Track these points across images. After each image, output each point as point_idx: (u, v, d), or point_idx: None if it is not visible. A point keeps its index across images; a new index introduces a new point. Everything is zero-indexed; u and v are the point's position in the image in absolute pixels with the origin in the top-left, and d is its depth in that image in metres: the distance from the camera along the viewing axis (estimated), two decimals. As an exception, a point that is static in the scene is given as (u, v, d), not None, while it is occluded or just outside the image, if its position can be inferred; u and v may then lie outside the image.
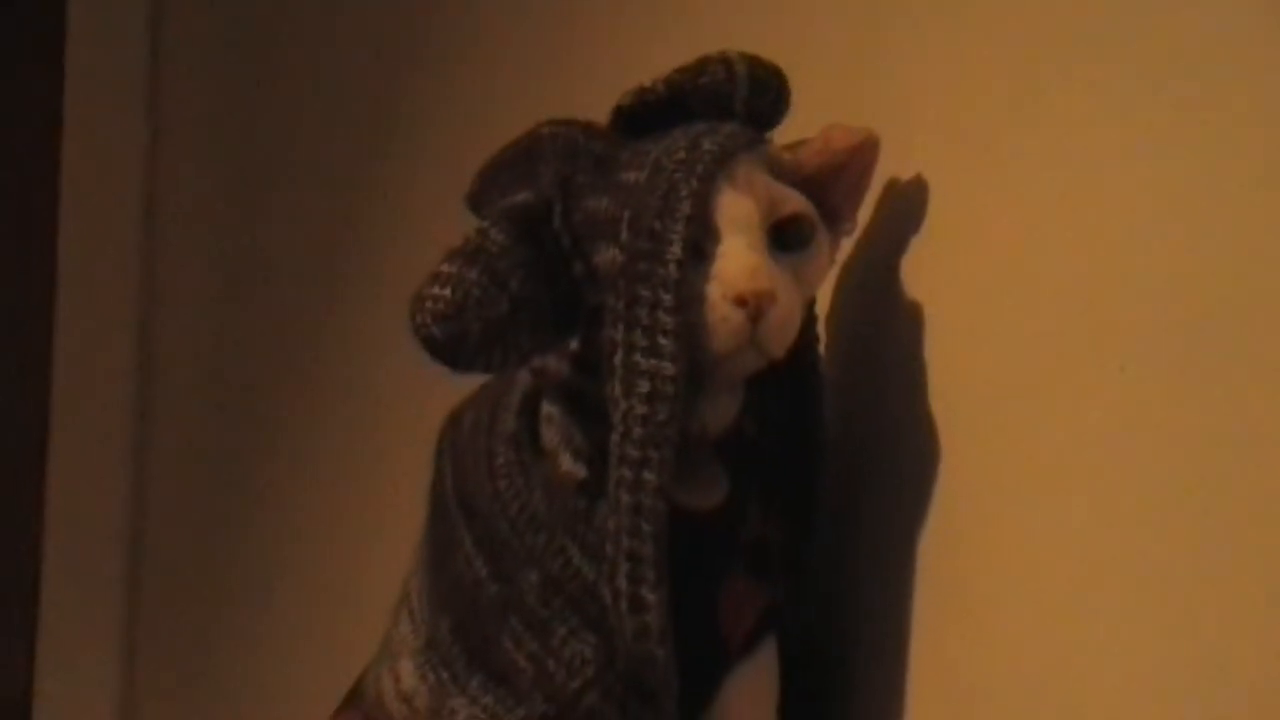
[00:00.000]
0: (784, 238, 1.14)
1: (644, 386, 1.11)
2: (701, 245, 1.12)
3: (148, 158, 2.77)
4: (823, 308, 1.24)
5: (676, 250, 1.11)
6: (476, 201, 1.18)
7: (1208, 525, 1.01)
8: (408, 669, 1.23)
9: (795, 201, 1.15)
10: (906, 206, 1.23)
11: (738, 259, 1.12)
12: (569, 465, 1.18)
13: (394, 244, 1.86)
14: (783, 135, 1.20)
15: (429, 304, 1.12)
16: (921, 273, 1.23)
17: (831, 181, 1.18)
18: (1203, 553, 1.02)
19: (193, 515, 2.62)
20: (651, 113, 1.18)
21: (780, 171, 1.16)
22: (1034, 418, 1.13)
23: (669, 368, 1.11)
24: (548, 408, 1.19)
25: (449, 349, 1.13)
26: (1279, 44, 0.93)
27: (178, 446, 2.70)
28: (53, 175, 2.81)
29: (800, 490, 1.22)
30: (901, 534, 1.21)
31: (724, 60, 1.18)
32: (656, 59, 1.21)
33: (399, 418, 1.57)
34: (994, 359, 1.17)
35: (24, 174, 2.88)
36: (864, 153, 1.18)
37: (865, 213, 1.22)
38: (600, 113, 1.20)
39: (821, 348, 1.23)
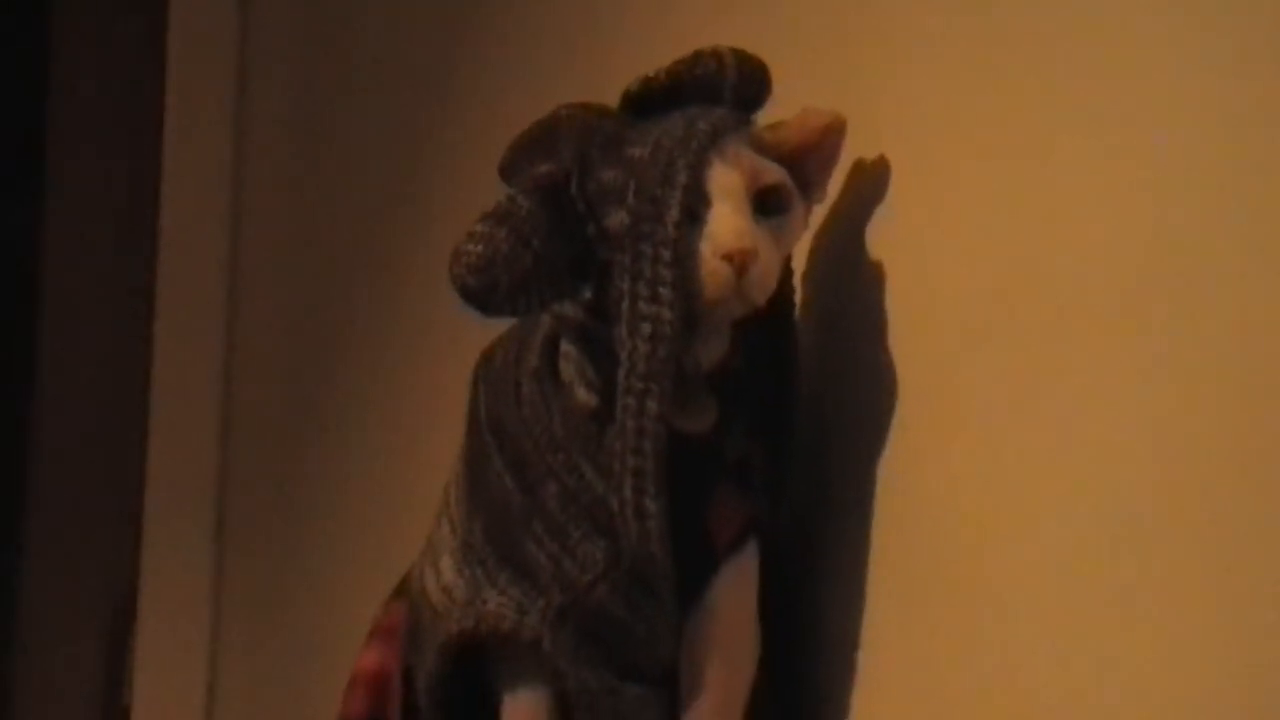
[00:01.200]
0: (765, 204, 1.16)
1: (647, 329, 1.14)
2: (696, 210, 1.14)
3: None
4: (798, 264, 1.25)
5: (674, 214, 1.13)
6: (506, 172, 1.20)
7: (1148, 472, 1.01)
8: (447, 565, 1.25)
9: (775, 174, 1.17)
10: (870, 179, 1.24)
11: (726, 222, 1.14)
12: (583, 395, 1.20)
13: (443, 206, 1.87)
14: (765, 117, 1.21)
15: (465, 258, 1.15)
16: (881, 235, 1.24)
17: (806, 157, 1.19)
18: (1141, 498, 1.03)
19: (276, 427, 2.62)
20: (654, 98, 1.20)
21: (763, 148, 1.18)
22: (976, 359, 1.14)
23: (668, 313, 1.13)
24: (565, 347, 1.21)
25: (481, 297, 1.16)
26: (1237, 32, 0.94)
27: (261, 375, 2.69)
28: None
29: (778, 417, 1.24)
30: (864, 454, 1.22)
31: (715, 54, 1.19)
32: (658, 53, 1.22)
33: (442, 354, 1.56)
34: (943, 308, 1.18)
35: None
36: (834, 132, 1.20)
37: (834, 183, 1.23)
38: (611, 97, 1.21)
39: (797, 297, 1.25)
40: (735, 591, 1.20)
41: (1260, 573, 0.88)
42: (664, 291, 1.13)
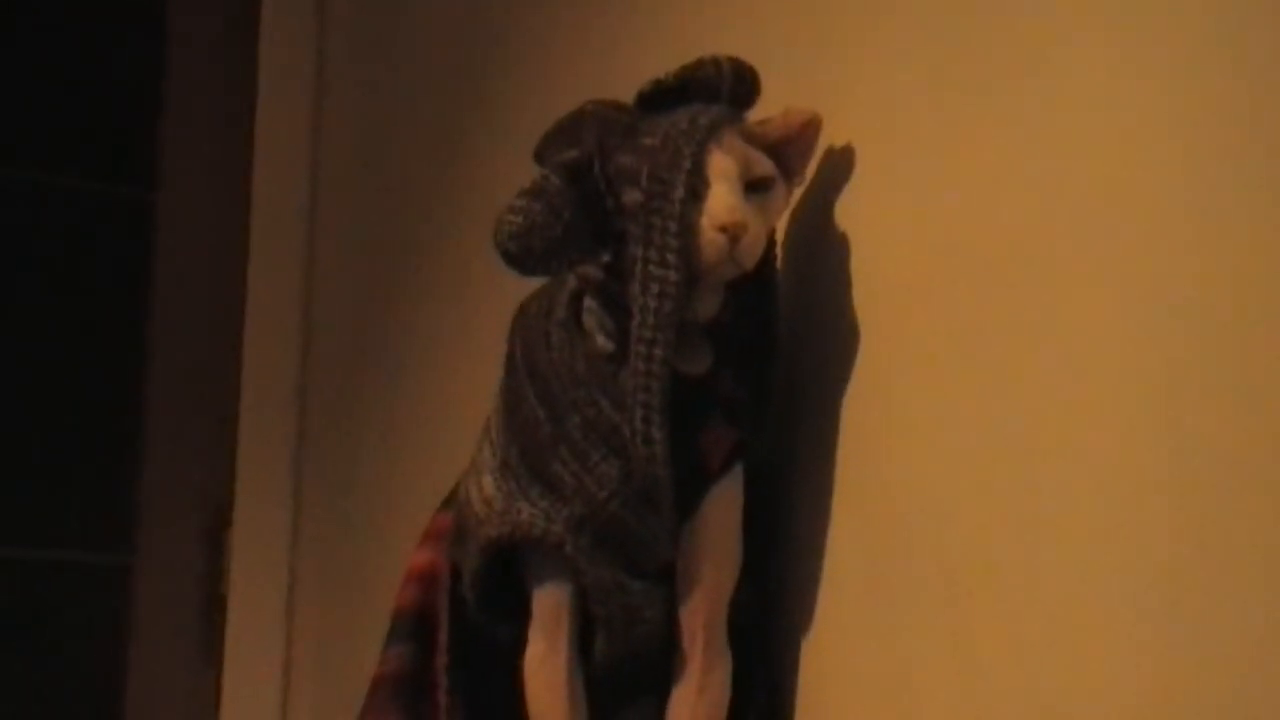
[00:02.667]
0: (754, 185, 1.17)
1: (655, 288, 1.15)
2: (697, 190, 1.15)
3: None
4: (780, 234, 1.26)
5: (679, 193, 1.15)
6: (540, 156, 1.21)
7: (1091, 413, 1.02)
8: (488, 482, 1.25)
9: (763, 162, 1.18)
10: (839, 165, 1.25)
11: (722, 200, 1.15)
12: (602, 342, 1.21)
13: (488, 184, 1.87)
14: (755, 114, 1.22)
15: (505, 227, 1.16)
16: (848, 211, 1.25)
17: (788, 147, 1.21)
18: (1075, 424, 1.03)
19: (346, 364, 2.62)
20: (663, 96, 1.21)
21: (753, 139, 1.19)
22: (925, 312, 1.16)
23: (673, 275, 1.15)
24: (588, 301, 1.22)
25: (519, 259, 1.18)
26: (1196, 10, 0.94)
27: (337, 319, 2.69)
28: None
29: (761, 361, 1.25)
30: (832, 392, 1.23)
31: (715, 61, 1.21)
32: (667, 58, 1.23)
33: (486, 306, 1.57)
34: (898, 270, 1.19)
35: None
36: (811, 127, 1.21)
37: (811, 168, 1.24)
38: (628, 95, 1.22)
39: (778, 262, 1.25)
40: (723, 506, 1.21)
41: (1219, 520, 0.89)
42: (670, 257, 1.15)
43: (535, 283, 1.28)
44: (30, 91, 2.94)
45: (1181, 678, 0.89)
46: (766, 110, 1.22)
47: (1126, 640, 0.93)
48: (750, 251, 1.16)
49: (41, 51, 2.97)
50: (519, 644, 1.25)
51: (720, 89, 1.21)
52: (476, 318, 1.90)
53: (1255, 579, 0.83)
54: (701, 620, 1.20)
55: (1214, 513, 0.87)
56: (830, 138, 1.24)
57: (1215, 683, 0.86)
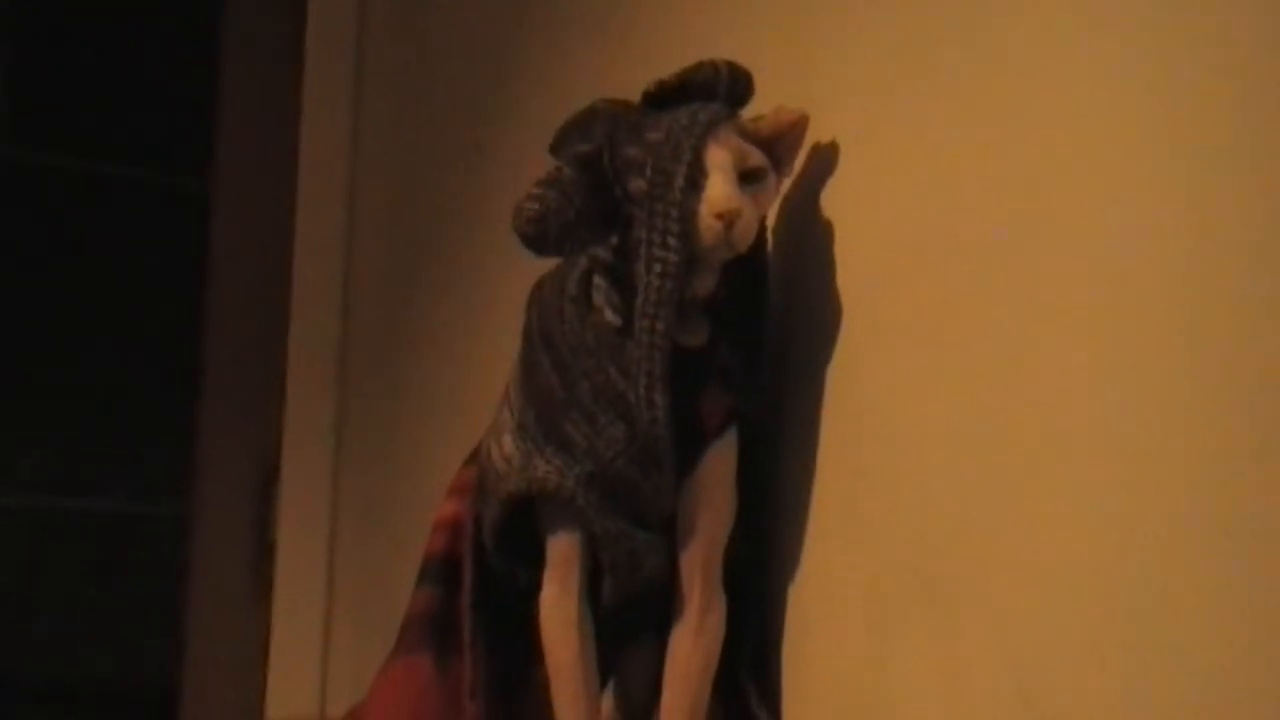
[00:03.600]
0: (748, 176, 1.16)
1: (658, 268, 1.15)
2: (696, 180, 1.15)
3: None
4: (771, 220, 1.26)
5: (680, 182, 1.14)
6: (555, 148, 1.20)
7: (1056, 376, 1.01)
8: (507, 441, 1.25)
9: (756, 155, 1.18)
10: (824, 158, 1.25)
11: (719, 189, 1.14)
12: (610, 316, 1.20)
13: (508, 174, 1.87)
14: (749, 112, 1.22)
15: (524, 212, 1.16)
16: (832, 199, 1.25)
17: (779, 141, 1.20)
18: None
19: (384, 339, 2.62)
20: (666, 95, 1.20)
21: (746, 135, 1.18)
22: (900, 293, 1.15)
23: (674, 256, 1.14)
24: (597, 280, 1.22)
25: (535, 241, 1.17)
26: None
27: (375, 292, 2.70)
28: None
29: (753, 334, 1.25)
30: (817, 362, 1.23)
31: (713, 64, 1.20)
32: (671, 61, 1.22)
33: (506, 283, 1.57)
34: (877, 254, 1.19)
35: None
36: (799, 125, 1.21)
37: (799, 162, 1.24)
38: (634, 94, 1.22)
39: (769, 245, 1.25)
40: (719, 465, 1.21)
41: (1204, 507, 0.87)
42: (671, 240, 1.14)
43: (550, 262, 1.28)
44: (95, 89, 2.94)
45: (1158, 668, 0.88)
46: (759, 109, 1.21)
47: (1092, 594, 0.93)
48: (744, 236, 1.16)
49: (103, 51, 2.96)
50: (534, 587, 1.25)
51: (718, 89, 1.20)
52: (497, 294, 1.90)
53: (1241, 568, 0.82)
54: (699, 566, 1.20)
55: (1199, 499, 0.86)
56: (817, 134, 1.23)
57: (1196, 680, 0.85)
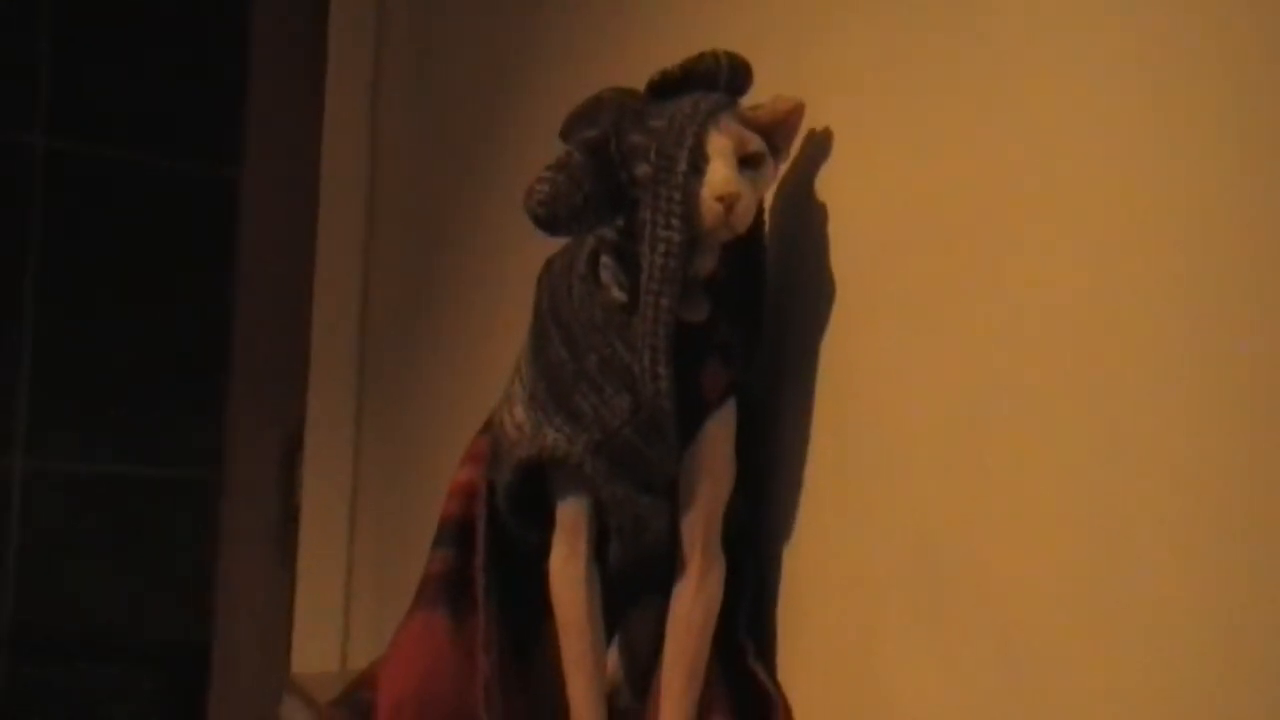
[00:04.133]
0: (747, 161, 1.15)
1: (662, 248, 1.13)
2: (698, 165, 1.13)
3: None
4: (768, 203, 1.25)
5: (683, 167, 1.13)
6: (564, 134, 1.19)
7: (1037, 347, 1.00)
8: (519, 411, 1.25)
9: (754, 142, 1.16)
10: (820, 144, 1.24)
11: (719, 174, 1.13)
12: (616, 293, 1.19)
13: (522, 158, 1.86)
14: (748, 100, 1.21)
15: (535, 195, 1.15)
16: (825, 184, 1.24)
17: (776, 129, 1.19)
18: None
19: (402, 317, 2.62)
20: (670, 85, 1.19)
21: (746, 122, 1.17)
22: (888, 273, 1.14)
23: (677, 236, 1.13)
24: (604, 258, 1.21)
25: (546, 222, 1.16)
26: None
27: (393, 273, 2.69)
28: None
29: (751, 311, 1.24)
30: (811, 337, 1.23)
31: (714, 55, 1.19)
32: (674, 52, 1.21)
33: (519, 261, 1.56)
34: (867, 235, 1.18)
35: None
36: (796, 113, 1.20)
37: (795, 147, 1.23)
38: (640, 82, 1.21)
39: (766, 227, 1.24)
40: (719, 434, 1.20)
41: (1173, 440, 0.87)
42: (675, 221, 1.13)
43: (559, 242, 1.27)
44: (132, 83, 2.94)
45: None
46: (758, 97, 1.20)
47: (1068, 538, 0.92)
48: (743, 217, 1.15)
49: (139, 46, 2.96)
50: (544, 549, 1.24)
51: (718, 79, 1.19)
52: (508, 273, 1.90)
53: (1239, 559, 0.80)
54: (700, 529, 1.20)
55: (1179, 488, 0.85)
56: (811, 122, 1.23)
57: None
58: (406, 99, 2.67)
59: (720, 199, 1.13)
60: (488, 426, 1.34)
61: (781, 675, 1.23)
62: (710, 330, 1.20)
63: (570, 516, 1.22)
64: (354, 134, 2.75)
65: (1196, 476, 0.82)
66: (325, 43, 2.76)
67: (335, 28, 2.77)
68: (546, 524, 1.24)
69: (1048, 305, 0.96)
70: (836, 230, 1.22)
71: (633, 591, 1.25)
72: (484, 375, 1.90)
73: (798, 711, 1.20)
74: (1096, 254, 0.91)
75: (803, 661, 1.21)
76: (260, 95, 2.88)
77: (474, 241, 2.18)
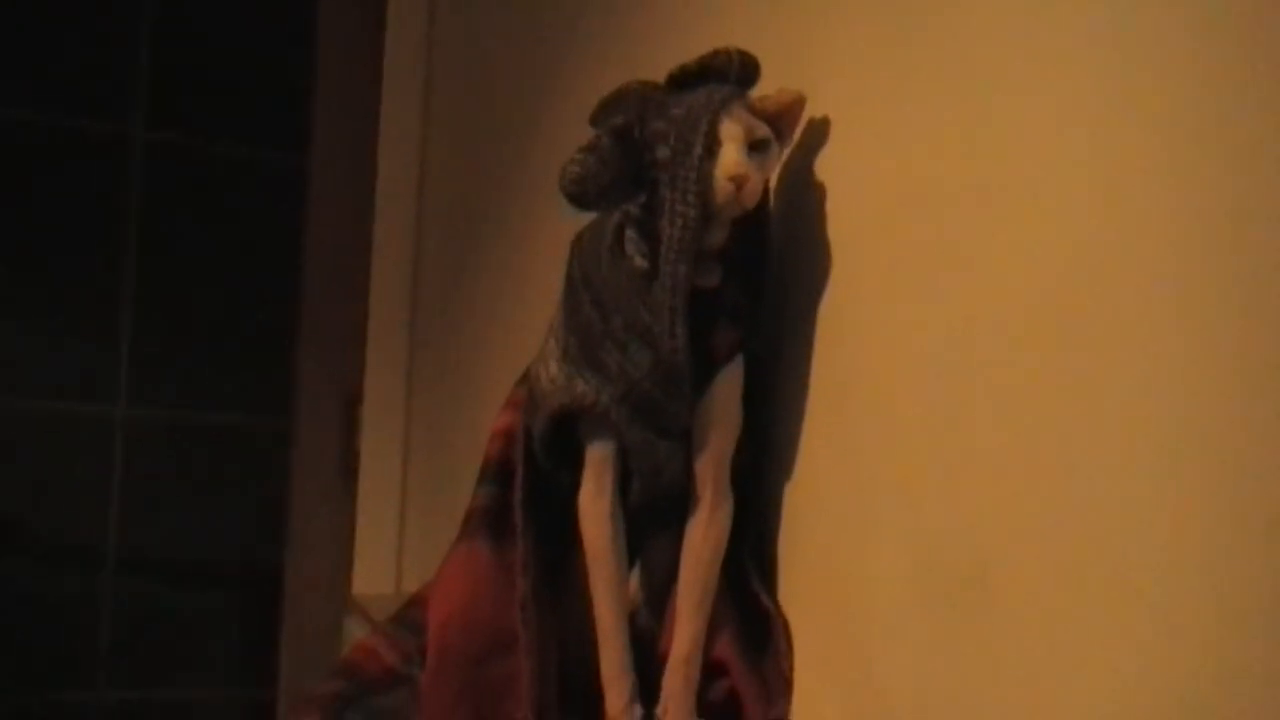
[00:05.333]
0: (755, 146, 1.13)
1: (679, 221, 1.11)
2: (712, 149, 1.11)
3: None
4: (773, 183, 1.22)
5: (698, 151, 1.10)
6: (594, 120, 1.17)
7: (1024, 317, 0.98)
8: (553, 365, 1.23)
9: (761, 129, 1.14)
10: (819, 131, 1.21)
11: (731, 157, 1.11)
12: (639, 262, 1.16)
13: (557, 141, 1.84)
14: (756, 91, 1.18)
15: (568, 174, 1.13)
16: (824, 166, 1.21)
17: (781, 116, 1.16)
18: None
19: (449, 288, 2.61)
20: (687, 77, 1.16)
21: (754, 111, 1.14)
22: (881, 247, 1.12)
23: (692, 212, 1.11)
24: (629, 231, 1.18)
25: (577, 199, 1.14)
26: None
27: (442, 245, 2.68)
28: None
29: (758, 278, 1.21)
30: (810, 302, 1.20)
31: (726, 51, 1.16)
32: (691, 48, 1.19)
33: (554, 232, 1.54)
34: (863, 211, 1.16)
35: None
36: (798, 103, 1.17)
37: (798, 133, 1.20)
38: (661, 75, 1.18)
39: (772, 204, 1.22)
40: (728, 387, 1.18)
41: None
42: (690, 198, 1.11)
43: (589, 217, 1.24)
44: (212, 80, 2.95)
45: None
46: (765, 89, 1.17)
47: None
48: (751, 195, 1.13)
49: (219, 49, 2.96)
50: (575, 487, 1.22)
51: (730, 72, 1.16)
52: (543, 244, 1.89)
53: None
54: (711, 471, 1.18)
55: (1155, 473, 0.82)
56: (812, 110, 1.20)
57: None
58: (455, 92, 2.65)
59: (731, 179, 1.11)
60: (525, 379, 1.32)
61: (781, 597, 1.21)
62: (721, 295, 1.17)
63: (597, 458, 1.20)
64: (408, 124, 2.76)
65: (1178, 441, 0.79)
66: (383, 41, 2.77)
67: (393, 28, 2.78)
68: (576, 465, 1.22)
69: (1030, 274, 0.93)
70: (834, 207, 1.19)
71: (652, 525, 1.23)
72: (521, 334, 1.89)
73: (794, 628, 1.19)
74: (1079, 231, 0.89)
75: (799, 585, 1.20)
76: (325, 90, 2.88)
77: (512, 217, 2.16)
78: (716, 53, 1.17)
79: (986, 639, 0.94)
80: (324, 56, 2.86)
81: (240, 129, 2.97)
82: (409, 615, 1.52)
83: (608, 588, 1.20)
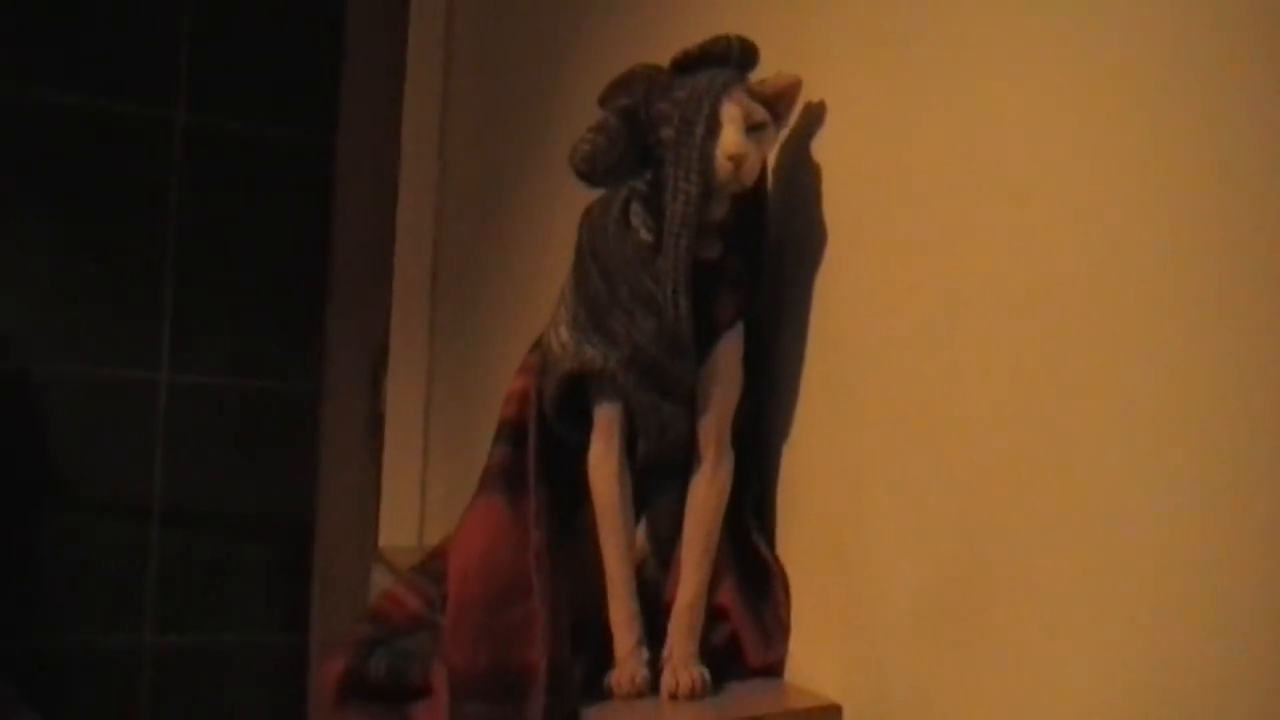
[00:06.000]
0: (754, 127, 1.11)
1: (682, 197, 1.10)
2: (713, 129, 1.10)
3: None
4: (771, 161, 1.21)
5: (700, 131, 1.09)
6: (603, 101, 1.16)
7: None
8: (563, 332, 1.21)
9: (760, 111, 1.12)
10: (814, 113, 1.20)
11: (731, 137, 1.10)
12: (645, 235, 1.15)
13: (569, 121, 1.82)
14: (755, 75, 1.16)
15: (578, 152, 1.12)
16: (819, 146, 1.19)
17: (778, 100, 1.15)
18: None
19: (465, 254, 2.59)
20: (691, 62, 1.15)
21: (753, 94, 1.13)
22: (871, 219, 1.10)
23: (695, 189, 1.09)
24: (635, 206, 1.17)
25: (587, 175, 1.13)
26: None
27: (460, 218, 2.67)
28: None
29: (756, 250, 1.20)
30: (806, 272, 1.19)
31: (727, 38, 1.15)
32: (694, 34, 1.17)
33: (565, 205, 1.53)
34: (854, 188, 1.14)
35: None
36: (795, 87, 1.15)
37: (794, 116, 1.18)
38: (665, 59, 1.16)
39: (769, 182, 1.21)
40: (729, 351, 1.17)
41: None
42: (693, 176, 1.09)
43: (598, 192, 1.22)
44: (246, 65, 2.94)
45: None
46: (763, 73, 1.16)
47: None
48: (750, 173, 1.11)
49: (253, 35, 2.95)
50: (584, 446, 1.21)
51: (730, 57, 1.14)
52: (554, 218, 1.88)
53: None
54: (713, 430, 1.16)
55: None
56: (808, 94, 1.18)
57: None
58: (473, 77, 2.64)
59: (731, 158, 1.09)
60: (537, 345, 1.31)
61: (779, 549, 1.21)
62: (722, 266, 1.16)
63: (605, 419, 1.19)
64: (430, 107, 2.76)
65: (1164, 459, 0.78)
66: (407, 30, 2.76)
67: (415, 17, 2.77)
68: (586, 426, 1.21)
69: (1012, 247, 0.92)
70: (828, 184, 1.18)
71: (657, 481, 1.22)
72: (534, 303, 1.88)
73: (791, 576, 1.19)
74: (1065, 210, 0.87)
75: (796, 537, 1.19)
76: (352, 76, 2.87)
77: (525, 193, 2.15)
78: (718, 39, 1.15)
79: (972, 581, 0.93)
80: (351, 45, 2.85)
81: (273, 112, 2.96)
82: (430, 565, 1.51)
83: (616, 540, 1.19)
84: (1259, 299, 0.70)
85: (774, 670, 1.17)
